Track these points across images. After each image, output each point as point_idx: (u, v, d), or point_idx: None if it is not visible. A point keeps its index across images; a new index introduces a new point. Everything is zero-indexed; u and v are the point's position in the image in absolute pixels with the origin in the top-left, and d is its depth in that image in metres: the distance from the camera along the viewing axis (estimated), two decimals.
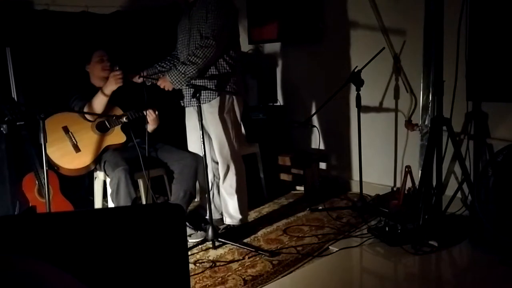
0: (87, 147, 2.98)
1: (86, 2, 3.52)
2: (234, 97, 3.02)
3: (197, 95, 2.78)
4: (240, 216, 3.16)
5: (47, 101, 3.23)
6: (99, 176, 3.14)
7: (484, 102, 3.19)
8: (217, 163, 3.16)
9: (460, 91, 3.12)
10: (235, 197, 3.13)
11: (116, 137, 3.04)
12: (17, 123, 2.73)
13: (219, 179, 3.18)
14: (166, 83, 2.92)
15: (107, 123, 3.05)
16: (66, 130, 2.97)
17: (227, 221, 3.20)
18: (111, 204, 2.95)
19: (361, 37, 3.76)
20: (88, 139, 2.99)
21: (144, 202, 3.21)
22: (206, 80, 2.94)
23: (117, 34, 3.66)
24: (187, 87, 2.95)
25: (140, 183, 3.16)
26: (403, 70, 3.57)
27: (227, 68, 2.97)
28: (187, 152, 3.18)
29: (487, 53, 3.07)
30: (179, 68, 2.85)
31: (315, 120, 4.10)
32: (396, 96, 3.64)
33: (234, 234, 3.08)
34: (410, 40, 3.48)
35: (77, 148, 2.96)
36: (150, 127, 3.12)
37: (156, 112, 3.06)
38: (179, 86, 2.92)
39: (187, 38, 2.98)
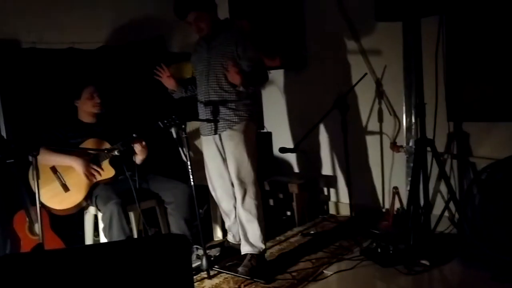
0: (76, 186, 2.95)
1: (73, 38, 3.57)
2: (251, 122, 3.07)
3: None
4: (262, 246, 3.03)
5: (37, 139, 3.22)
6: (90, 210, 3.11)
7: (465, 122, 3.30)
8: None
9: (441, 112, 3.24)
10: (255, 224, 3.01)
11: (105, 172, 3.02)
12: (7, 161, 2.72)
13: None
14: (235, 76, 2.86)
15: (98, 159, 3.04)
16: (54, 170, 2.95)
17: (247, 249, 3.02)
18: (103, 239, 2.92)
19: (344, 63, 3.85)
20: (77, 177, 2.95)
21: (135, 235, 3.19)
22: (228, 110, 3.00)
23: (104, 68, 3.70)
24: (208, 115, 3.04)
25: (131, 216, 3.15)
26: (385, 94, 3.68)
27: (247, 96, 3.03)
28: (179, 181, 3.18)
29: (465, 76, 3.20)
30: (260, 79, 3.10)
31: (303, 146, 4.15)
32: (380, 119, 3.73)
33: (263, 270, 2.94)
34: (391, 65, 3.60)
35: (66, 188, 2.93)
36: (139, 158, 3.12)
37: (144, 143, 3.07)
38: (246, 88, 2.94)
39: (206, 70, 3.03)
